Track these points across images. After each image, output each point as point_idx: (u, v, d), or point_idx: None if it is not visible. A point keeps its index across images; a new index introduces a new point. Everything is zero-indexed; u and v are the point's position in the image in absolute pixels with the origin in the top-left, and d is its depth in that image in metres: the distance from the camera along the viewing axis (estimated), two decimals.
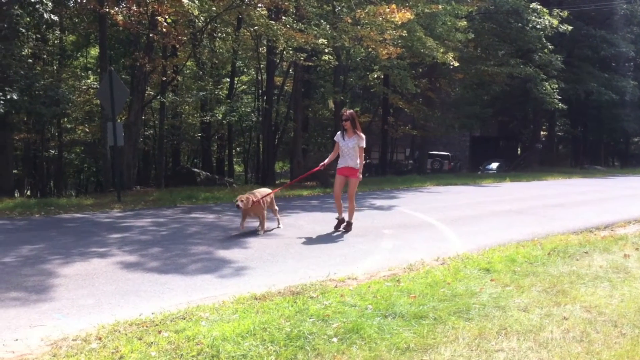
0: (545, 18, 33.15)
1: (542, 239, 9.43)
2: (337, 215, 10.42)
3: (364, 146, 10.11)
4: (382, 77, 32.90)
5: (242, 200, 9.32)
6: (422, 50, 25.86)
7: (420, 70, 34.91)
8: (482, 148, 47.09)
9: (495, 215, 12.97)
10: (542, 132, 47.02)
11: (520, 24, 33.09)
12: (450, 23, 27.85)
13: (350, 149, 9.99)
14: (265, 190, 10.25)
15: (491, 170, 39.05)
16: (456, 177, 29.00)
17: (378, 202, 15.89)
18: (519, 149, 50.60)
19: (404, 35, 22.88)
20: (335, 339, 4.48)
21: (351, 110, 10.34)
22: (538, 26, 33.10)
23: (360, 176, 10.22)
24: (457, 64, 27.01)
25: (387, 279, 6.50)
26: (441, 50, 25.65)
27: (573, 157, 49.70)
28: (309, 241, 9.38)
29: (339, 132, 10.25)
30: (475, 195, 18.51)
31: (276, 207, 10.57)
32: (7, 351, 4.41)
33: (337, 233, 10.14)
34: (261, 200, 9.68)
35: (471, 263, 7.27)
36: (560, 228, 10.89)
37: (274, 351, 4.26)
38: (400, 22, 21.63)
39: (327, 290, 6.00)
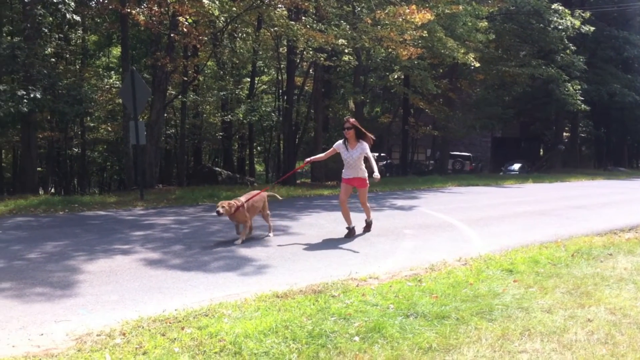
0: (567, 19, 32.85)
1: (566, 240, 9.35)
2: (345, 225, 9.90)
3: (369, 153, 9.60)
4: (403, 77, 32.79)
5: (223, 207, 8.67)
6: (442, 51, 25.75)
7: (441, 70, 34.74)
8: (504, 149, 46.71)
9: (517, 216, 12.88)
10: (564, 134, 46.59)
11: (541, 25, 32.82)
12: (470, 24, 27.69)
13: (356, 160, 9.59)
14: (261, 194, 9.56)
15: (513, 171, 38.74)
16: (478, 178, 28.85)
17: (399, 202, 15.84)
18: (541, 150, 50.14)
19: (424, 35, 22.81)
20: (356, 338, 4.48)
21: (353, 119, 9.82)
22: (560, 27, 32.81)
23: (368, 183, 9.92)
24: (478, 65, 26.85)
25: (409, 279, 6.49)
26: (462, 51, 25.53)
27: (596, 158, 49.19)
28: (330, 240, 9.38)
29: (340, 141, 9.74)
30: (497, 196, 18.40)
31: (268, 212, 9.78)
32: (32, 345, 4.47)
33: (358, 233, 10.12)
34: (244, 206, 8.92)
35: (494, 264, 7.23)
36: (583, 230, 10.78)
37: (296, 349, 4.26)
38: (420, 23, 21.55)
39: (349, 289, 6.00)
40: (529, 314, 5.18)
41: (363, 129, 9.64)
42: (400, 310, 5.17)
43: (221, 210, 8.60)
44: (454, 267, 7.22)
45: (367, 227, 10.19)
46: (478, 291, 5.87)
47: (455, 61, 27.42)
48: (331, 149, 9.82)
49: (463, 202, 16.18)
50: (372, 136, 9.73)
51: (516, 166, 39.90)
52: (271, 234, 9.62)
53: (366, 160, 9.70)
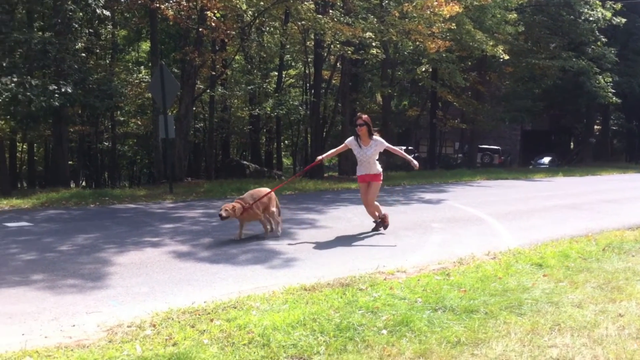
0: (598, 10, 32.32)
1: (597, 234, 9.23)
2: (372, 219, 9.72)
3: (387, 145, 9.37)
4: (431, 70, 32.59)
5: (226, 210, 8.23)
6: (471, 44, 25.53)
7: (470, 63, 34.42)
8: (534, 142, 46.17)
9: (547, 210, 12.75)
10: (595, 126, 45.91)
11: (572, 16, 32.32)
12: (500, 15, 27.40)
13: (369, 157, 9.27)
14: (262, 191, 9.00)
15: (543, 164, 38.30)
16: (507, 172, 28.60)
17: (427, 196, 15.78)
18: (571, 144, 49.47)
19: (452, 28, 22.62)
20: (384, 331, 4.48)
21: (366, 115, 9.54)
22: (591, 18, 32.29)
23: (381, 178, 9.55)
24: (507, 57, 26.57)
25: (437, 273, 6.46)
26: (491, 43, 25.28)
27: (628, 151, 48.39)
28: (358, 234, 9.38)
29: (351, 138, 9.43)
30: (527, 190, 18.22)
31: (273, 210, 9.04)
32: (64, 336, 4.55)
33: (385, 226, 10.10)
34: (254, 205, 8.54)
35: (523, 258, 7.17)
36: (614, 224, 10.63)
37: (323, 341, 4.28)
38: (448, 15, 21.38)
39: (376, 282, 6.00)
40: (559, 308, 5.13)
41: (372, 126, 9.33)
42: (428, 304, 5.15)
43: (224, 213, 8.20)
44: (482, 261, 7.17)
45: (383, 222, 9.61)
46: (507, 285, 5.83)
47: (484, 54, 27.13)
48: (342, 144, 9.58)
49: (492, 196, 16.06)
50: (379, 137, 9.43)
51: (546, 159, 39.43)
52: (279, 233, 9.10)
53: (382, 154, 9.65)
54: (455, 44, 25.82)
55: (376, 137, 9.30)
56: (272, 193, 9.06)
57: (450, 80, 29.17)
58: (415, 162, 9.50)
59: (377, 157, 9.33)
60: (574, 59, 32.45)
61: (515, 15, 29.01)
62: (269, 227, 8.94)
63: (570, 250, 7.61)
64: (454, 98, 32.31)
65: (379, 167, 9.41)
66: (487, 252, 7.79)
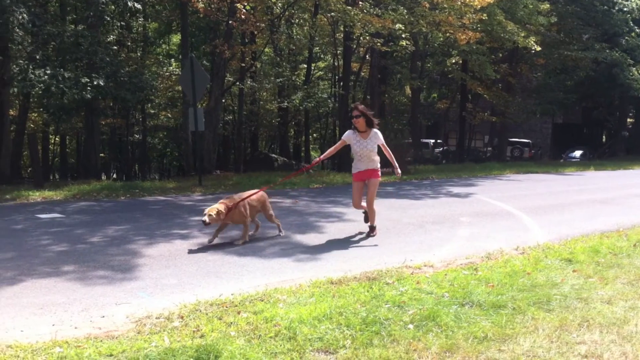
0: (632, 0, 31.66)
1: (628, 229, 9.08)
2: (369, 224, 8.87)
3: (383, 142, 8.53)
4: (461, 62, 32.32)
5: (210, 215, 7.48)
6: (502, 35, 25.24)
7: (500, 55, 34.02)
8: (565, 135, 45.51)
9: (578, 205, 12.58)
10: (628, 119, 45.08)
11: (605, 7, 31.75)
12: (532, 6, 27.02)
13: (368, 152, 8.45)
14: (255, 194, 8.35)
15: (574, 158, 37.78)
16: (537, 165, 28.29)
17: (455, 190, 15.68)
18: (604, 137, 48.66)
19: (483, 19, 22.40)
20: (411, 326, 4.47)
21: (362, 105, 8.57)
22: (625, 9, 31.70)
23: (380, 174, 8.74)
24: (538, 49, 26.23)
25: (465, 267, 6.43)
26: (522, 35, 24.96)
27: None
28: (385, 227, 9.36)
29: (349, 132, 8.57)
30: (557, 184, 18.00)
31: (271, 212, 8.54)
32: (94, 327, 4.63)
33: (407, 221, 10.06)
34: (241, 204, 7.88)
35: (552, 253, 7.09)
36: None
37: (350, 335, 4.29)
38: (479, 6, 21.17)
39: (403, 276, 5.99)
40: (588, 304, 5.07)
41: (372, 118, 8.44)
42: (455, 299, 5.13)
43: (207, 219, 7.45)
44: (511, 256, 7.11)
45: (371, 231, 8.78)
46: (536, 281, 5.77)
47: (515, 45, 26.82)
48: (340, 141, 8.74)
49: (521, 190, 15.90)
50: (377, 129, 8.50)
51: (577, 153, 38.89)
52: (282, 233, 8.56)
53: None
54: (486, 35, 25.56)
55: (373, 129, 8.44)
56: (265, 195, 8.43)
57: (480, 72, 28.87)
58: (399, 170, 8.84)
59: (376, 150, 8.54)
60: (607, 51, 31.92)
61: (548, 5, 28.56)
62: (250, 233, 8.17)
63: (601, 246, 7.51)
64: (484, 90, 32.01)
65: (377, 162, 8.64)
66: (516, 247, 7.73)
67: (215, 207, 7.56)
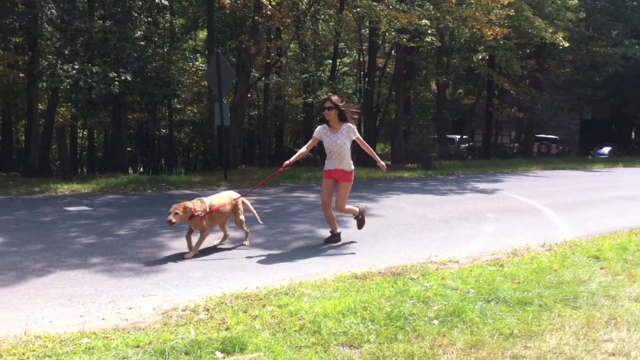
0: None
1: None
2: (330, 228, 7.96)
3: (359, 136, 7.68)
4: (487, 58, 32.03)
5: (176, 213, 6.66)
6: (529, 31, 25.01)
7: (528, 51, 33.67)
8: (593, 132, 44.88)
9: (606, 202, 12.42)
10: None
11: (635, 2, 31.24)
12: (560, 2, 26.72)
13: (340, 147, 7.50)
14: (224, 198, 7.44)
15: (602, 155, 37.28)
16: (564, 162, 27.98)
17: (481, 186, 15.57)
18: (632, 133, 47.90)
19: (510, 14, 22.18)
20: (436, 321, 4.46)
21: (335, 96, 7.71)
22: None
23: (352, 178, 7.77)
24: (567, 45, 25.92)
25: (490, 264, 6.39)
26: (550, 30, 24.70)
27: None
28: (410, 223, 9.34)
29: (320, 126, 7.74)
30: (585, 181, 17.79)
31: (242, 218, 7.57)
32: (121, 319, 4.68)
33: (432, 217, 10.01)
34: (207, 212, 6.95)
35: (579, 250, 7.02)
36: None
37: (374, 330, 4.28)
38: (507, 2, 20.98)
39: (428, 272, 5.97)
40: (616, 302, 5.01)
41: (346, 110, 7.58)
42: (480, 295, 5.10)
43: (174, 219, 6.62)
44: (537, 252, 7.05)
45: (333, 238, 7.86)
46: (562, 278, 5.72)
47: (543, 41, 26.54)
48: (312, 138, 7.77)
49: (548, 186, 15.75)
50: (352, 123, 7.65)
51: (606, 150, 38.37)
52: (247, 243, 7.57)
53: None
54: (513, 30, 25.33)
55: (350, 122, 7.59)
56: (239, 200, 7.55)
57: (507, 68, 28.63)
58: (383, 164, 8.00)
59: (349, 147, 7.61)
60: (636, 47, 31.41)
61: (576, 1, 28.19)
62: (201, 245, 7.03)
63: (629, 243, 7.42)
64: (511, 86, 31.72)
65: (351, 163, 7.69)
66: (543, 243, 7.66)
67: (182, 205, 6.73)
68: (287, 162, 7.68)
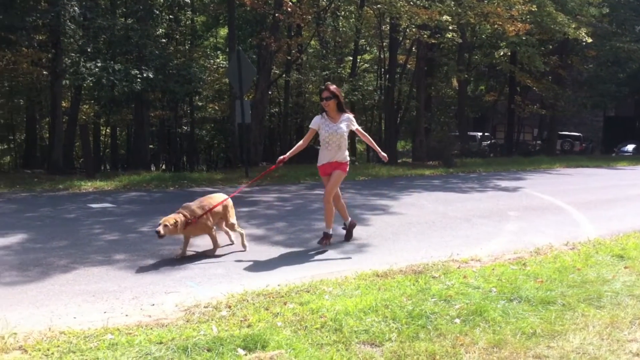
0: None
1: None
2: (343, 221, 7.87)
3: (359, 127, 7.48)
4: (509, 54, 31.78)
5: (165, 225, 6.34)
6: (552, 26, 24.77)
7: (550, 46, 33.34)
8: (617, 129, 44.29)
9: (630, 200, 12.28)
10: None
11: None
12: None
13: (338, 138, 7.22)
14: (214, 198, 7.06)
15: (627, 152, 36.82)
16: (588, 159, 27.71)
17: (503, 183, 15.46)
18: None
19: (533, 10, 21.98)
20: (457, 320, 4.44)
21: (334, 85, 7.42)
22: None
23: (347, 169, 7.48)
24: (590, 40, 25.63)
25: (513, 262, 6.34)
26: (573, 26, 24.44)
27: None
28: (431, 221, 9.30)
29: (317, 117, 7.40)
30: (609, 178, 17.59)
31: (233, 221, 7.16)
32: (144, 315, 4.73)
33: (454, 215, 9.95)
34: (205, 216, 6.70)
35: (603, 249, 6.94)
36: None
37: (395, 328, 4.28)
38: None
39: (450, 270, 5.94)
40: None
41: (343, 102, 7.40)
42: (503, 294, 5.07)
43: (162, 231, 6.29)
44: (560, 251, 6.98)
45: (325, 238, 7.46)
46: (586, 277, 5.66)
47: (566, 37, 26.25)
48: (309, 130, 7.43)
49: (571, 184, 15.59)
50: (350, 113, 7.45)
51: (630, 147, 37.89)
52: (232, 242, 7.30)
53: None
54: (535, 26, 25.11)
55: (345, 113, 7.34)
56: (229, 201, 7.18)
57: (529, 64, 28.39)
58: (384, 154, 7.70)
59: (347, 138, 7.39)
60: None
61: None
62: (219, 242, 6.99)
63: None
64: (533, 83, 31.45)
65: (347, 155, 7.45)
66: (566, 242, 7.59)
67: (173, 217, 6.45)
68: (282, 157, 7.41)
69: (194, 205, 6.79)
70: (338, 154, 7.30)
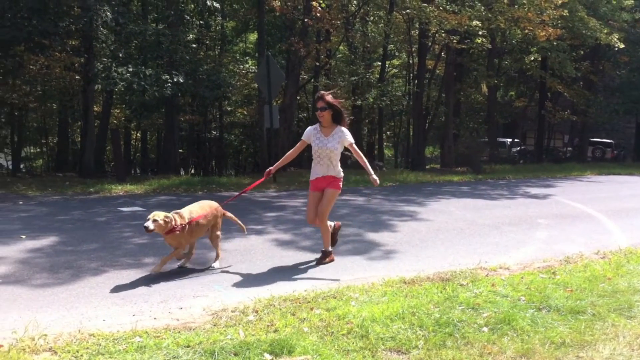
0: None
1: None
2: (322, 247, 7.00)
3: (353, 141, 6.76)
4: (540, 59, 31.47)
5: (155, 220, 5.85)
6: (583, 32, 24.52)
7: (582, 52, 32.93)
8: None
9: None
10: None
11: None
12: (615, 2, 26.09)
13: (329, 151, 6.66)
14: (205, 206, 6.54)
15: None
16: (620, 167, 27.29)
17: (533, 191, 15.30)
18: None
19: (564, 15, 21.76)
20: (485, 329, 4.40)
21: (330, 95, 6.76)
22: None
23: (341, 185, 6.96)
24: (622, 46, 25.31)
25: (542, 271, 6.28)
26: (605, 31, 24.16)
27: None
28: (459, 228, 9.24)
29: (309, 128, 6.91)
30: None
31: (219, 233, 6.65)
32: (172, 318, 4.77)
33: (482, 222, 9.88)
34: (190, 225, 6.16)
35: (635, 258, 6.83)
36: None
37: (422, 336, 4.26)
38: (560, 2, 20.59)
39: (478, 278, 5.90)
40: None
41: (342, 110, 6.75)
42: (531, 303, 5.02)
43: (151, 226, 5.82)
44: (591, 260, 6.89)
45: (323, 257, 6.87)
46: (617, 286, 5.58)
47: (598, 42, 25.94)
48: (300, 142, 6.94)
49: (603, 192, 15.37)
50: (345, 127, 6.77)
51: None
52: (215, 265, 6.53)
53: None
54: (566, 31, 24.86)
55: (340, 126, 6.73)
56: (219, 210, 6.67)
57: (560, 70, 28.10)
58: (376, 178, 6.83)
59: (339, 153, 6.79)
60: None
61: (632, 1, 27.44)
62: (172, 257, 6.30)
63: None
64: (564, 88, 31.11)
65: (340, 170, 6.89)
66: (596, 250, 7.48)
67: (163, 213, 5.99)
68: (270, 168, 6.99)
69: (183, 211, 6.27)
70: (330, 169, 6.76)
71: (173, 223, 5.96)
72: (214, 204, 6.67)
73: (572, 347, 4.11)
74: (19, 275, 6.02)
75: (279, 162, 7.05)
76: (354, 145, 6.73)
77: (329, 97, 6.64)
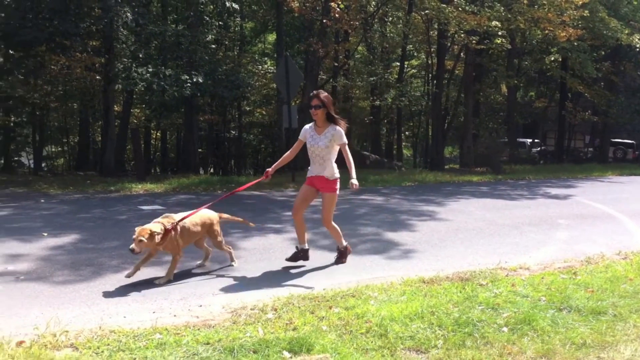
0: None
1: None
2: (297, 242, 6.86)
3: (346, 142, 6.65)
4: (560, 60, 31.22)
5: (140, 239, 5.50)
6: (604, 32, 24.33)
7: (602, 52, 32.63)
8: None
9: None
10: None
11: None
12: (636, 2, 25.83)
13: (322, 150, 6.55)
14: (196, 218, 6.19)
15: None
16: None
17: (553, 191, 15.18)
18: None
19: (585, 15, 21.59)
20: (505, 329, 4.38)
21: (325, 93, 6.69)
22: None
23: (337, 187, 6.72)
24: None
25: (562, 271, 6.23)
26: (626, 32, 23.95)
27: None
28: (479, 227, 9.20)
29: (306, 126, 6.81)
30: None
31: (220, 239, 6.45)
32: (192, 316, 4.80)
33: (502, 222, 9.82)
34: (177, 229, 5.90)
35: None
36: None
37: (441, 335, 4.25)
38: (580, 2, 20.42)
39: (498, 278, 5.87)
40: None
41: (334, 111, 6.70)
42: (552, 303, 4.98)
43: (137, 248, 5.51)
44: (612, 260, 6.83)
45: (341, 256, 6.84)
46: (638, 287, 5.52)
47: (618, 42, 25.68)
48: (297, 141, 6.87)
49: (624, 193, 15.21)
50: (340, 126, 6.64)
51: None
52: (234, 264, 6.58)
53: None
54: (587, 32, 24.64)
55: (338, 125, 6.62)
56: (212, 217, 6.40)
57: (581, 70, 27.87)
58: (357, 183, 6.48)
59: (333, 153, 6.66)
60: None
61: None
62: (197, 263, 6.54)
63: None
64: (584, 89, 30.84)
65: (335, 171, 6.68)
66: (618, 251, 7.41)
67: (148, 228, 5.61)
68: (269, 170, 6.87)
69: (176, 215, 6.08)
70: (324, 170, 6.60)
71: (160, 230, 5.68)
72: (209, 214, 6.42)
73: (593, 348, 4.07)
74: (41, 272, 6.09)
75: (278, 162, 6.96)
76: (347, 147, 6.62)
77: (323, 95, 6.56)
